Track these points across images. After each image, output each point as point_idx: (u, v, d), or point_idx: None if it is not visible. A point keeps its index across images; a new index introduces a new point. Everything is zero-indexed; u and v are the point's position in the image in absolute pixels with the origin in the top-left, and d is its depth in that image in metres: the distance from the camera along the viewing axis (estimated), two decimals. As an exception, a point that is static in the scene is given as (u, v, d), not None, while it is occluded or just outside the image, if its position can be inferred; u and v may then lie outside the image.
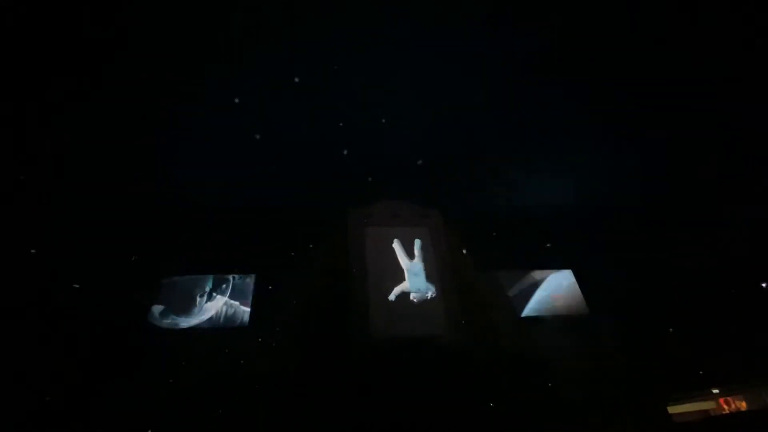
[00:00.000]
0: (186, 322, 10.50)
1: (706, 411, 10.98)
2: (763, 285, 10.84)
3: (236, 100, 10.23)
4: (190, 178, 11.46)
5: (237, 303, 11.02)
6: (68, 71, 9.22)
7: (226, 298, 11.06)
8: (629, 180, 12.78)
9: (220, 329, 10.51)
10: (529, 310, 11.78)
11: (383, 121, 11.32)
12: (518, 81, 11.22)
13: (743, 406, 10.70)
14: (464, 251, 11.58)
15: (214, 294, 11.09)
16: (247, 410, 8.17)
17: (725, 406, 10.93)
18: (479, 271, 11.61)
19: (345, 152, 11.16)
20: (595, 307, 11.93)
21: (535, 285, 12.37)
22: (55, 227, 9.60)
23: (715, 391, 10.83)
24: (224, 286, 11.24)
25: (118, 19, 8.98)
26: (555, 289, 12.35)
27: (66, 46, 8.93)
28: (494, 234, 12.19)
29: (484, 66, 10.95)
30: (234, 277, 11.33)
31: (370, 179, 11.53)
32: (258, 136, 10.81)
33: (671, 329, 10.85)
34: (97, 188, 10.64)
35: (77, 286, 9.30)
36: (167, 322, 10.54)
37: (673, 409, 10.40)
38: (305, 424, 7.98)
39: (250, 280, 11.34)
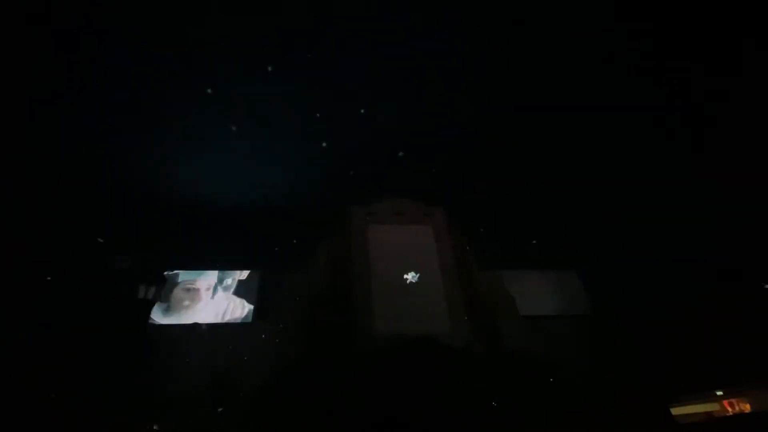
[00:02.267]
0: (190, 318, 10.52)
1: (709, 413, 10.93)
2: (767, 287, 10.78)
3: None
4: (194, 175, 11.50)
5: (240, 299, 11.05)
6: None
7: (229, 295, 11.09)
8: (630, 179, 12.76)
9: (223, 325, 10.53)
10: (531, 309, 11.76)
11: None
12: (521, 78, 11.19)
13: (747, 408, 10.65)
14: (467, 248, 11.56)
15: (218, 290, 11.11)
16: (251, 406, 8.17)
17: (729, 408, 10.88)
18: (482, 269, 11.59)
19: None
20: (599, 308, 11.91)
21: (538, 284, 12.35)
22: (58, 225, 9.62)
23: (719, 392, 10.78)
24: (228, 282, 11.27)
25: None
26: (557, 288, 12.33)
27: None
28: (497, 233, 12.18)
29: (485, 64, 10.91)
30: (238, 274, 11.36)
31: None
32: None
33: (675, 331, 10.81)
34: (101, 185, 10.67)
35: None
36: (171, 317, 10.58)
37: (676, 411, 10.37)
38: (308, 420, 7.96)
39: (253, 277, 11.36)
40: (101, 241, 10.32)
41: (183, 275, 11.26)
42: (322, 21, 9.83)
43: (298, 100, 10.98)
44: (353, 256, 10.67)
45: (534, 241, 12.56)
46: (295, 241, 11.07)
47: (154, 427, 7.53)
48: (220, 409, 8.14)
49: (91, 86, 9.71)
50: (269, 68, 10.10)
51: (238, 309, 10.87)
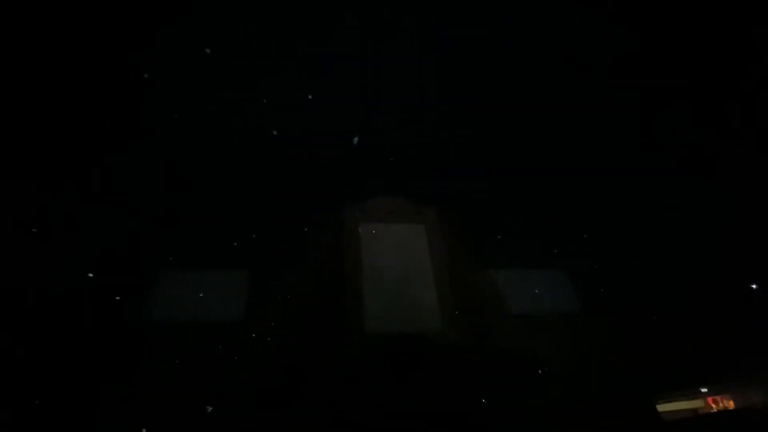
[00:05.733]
0: (180, 317, 10.41)
1: (694, 409, 11.16)
2: (753, 286, 10.96)
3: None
4: (184, 170, 11.31)
5: (231, 298, 10.95)
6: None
7: (220, 293, 10.98)
8: (628, 178, 12.80)
9: (213, 324, 10.44)
10: (522, 308, 11.84)
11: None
12: (517, 73, 11.08)
13: (731, 405, 10.88)
14: (461, 249, 11.59)
15: (209, 288, 11.00)
16: (242, 407, 8.16)
17: (713, 405, 11.12)
18: (474, 268, 11.64)
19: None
20: (588, 306, 12.02)
21: (530, 283, 12.41)
22: (55, 225, 9.45)
23: (704, 390, 11.01)
24: (218, 280, 11.15)
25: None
26: (549, 287, 12.40)
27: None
28: (491, 231, 12.19)
29: (480, 56, 10.76)
30: (228, 272, 11.24)
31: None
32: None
33: (663, 329, 10.98)
34: (99, 183, 10.46)
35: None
36: (160, 316, 10.45)
37: (662, 408, 10.57)
38: (299, 419, 7.99)
39: (244, 276, 11.26)
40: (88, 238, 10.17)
41: (174, 273, 11.12)
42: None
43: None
44: (345, 254, 10.67)
45: (525, 240, 12.59)
46: (287, 240, 10.98)
47: (143, 431, 7.48)
48: (209, 409, 8.12)
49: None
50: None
51: (230, 308, 10.77)
